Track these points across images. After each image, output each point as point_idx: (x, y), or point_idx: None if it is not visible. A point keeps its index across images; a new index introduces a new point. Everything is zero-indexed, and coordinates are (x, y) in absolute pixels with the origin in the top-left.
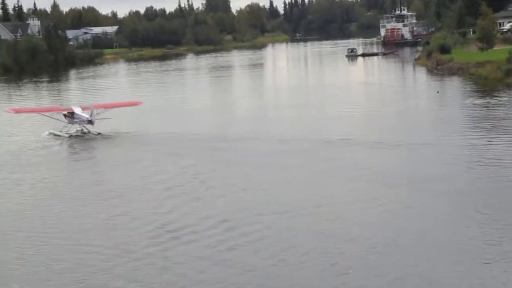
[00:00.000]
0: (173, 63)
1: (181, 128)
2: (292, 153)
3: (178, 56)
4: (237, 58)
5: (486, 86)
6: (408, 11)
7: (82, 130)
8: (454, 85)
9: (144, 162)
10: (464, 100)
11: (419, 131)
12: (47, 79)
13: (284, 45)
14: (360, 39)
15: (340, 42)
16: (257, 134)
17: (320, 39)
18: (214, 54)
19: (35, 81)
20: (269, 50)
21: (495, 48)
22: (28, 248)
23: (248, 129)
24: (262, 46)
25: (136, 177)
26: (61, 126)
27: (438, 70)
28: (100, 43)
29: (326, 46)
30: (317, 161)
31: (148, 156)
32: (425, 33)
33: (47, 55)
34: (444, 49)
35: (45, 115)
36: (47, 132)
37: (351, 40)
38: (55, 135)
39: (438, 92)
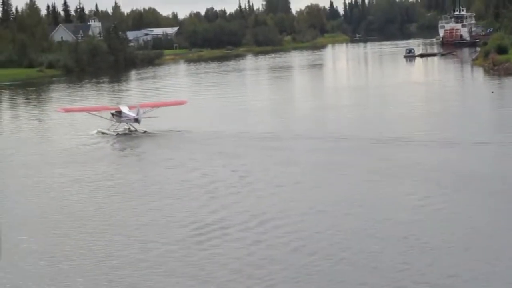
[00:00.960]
0: (231, 64)
1: (235, 127)
2: (346, 151)
3: (237, 57)
4: (296, 58)
5: None
6: (467, 12)
7: (129, 128)
8: (510, 85)
9: (193, 160)
10: None
11: (472, 130)
12: (107, 79)
13: (343, 45)
14: (420, 40)
15: (400, 42)
16: (312, 133)
17: (379, 39)
18: (273, 55)
19: (95, 82)
20: (328, 51)
21: None
22: (85, 242)
23: (303, 128)
24: (321, 47)
25: (184, 174)
26: (109, 125)
27: (495, 70)
28: (160, 44)
29: (386, 46)
30: (371, 159)
31: (198, 155)
32: (483, 33)
33: (107, 56)
34: (501, 50)
35: (93, 114)
36: (95, 131)
37: (410, 41)
38: (103, 133)
39: (493, 92)
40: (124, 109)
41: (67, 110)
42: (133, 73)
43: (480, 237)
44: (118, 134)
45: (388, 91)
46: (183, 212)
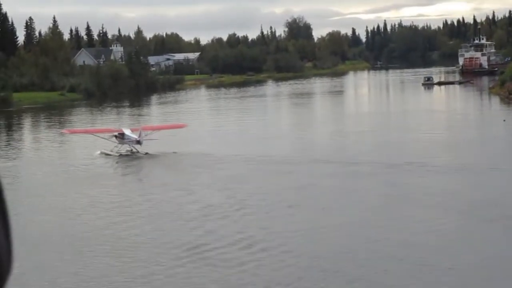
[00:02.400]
0: (251, 90)
1: (248, 151)
2: (358, 176)
3: (258, 83)
4: (316, 85)
5: None
6: (488, 41)
7: (131, 150)
8: None
9: (195, 183)
10: None
11: (480, 156)
12: (127, 104)
13: (363, 73)
14: (443, 68)
15: (421, 70)
16: (324, 157)
17: (401, 67)
18: (292, 81)
19: (115, 106)
20: (348, 78)
21: None
22: (94, 259)
23: (318, 152)
24: (342, 74)
25: (184, 196)
26: (112, 146)
27: (510, 99)
28: (182, 69)
29: (406, 74)
30: (382, 183)
31: (202, 177)
32: (501, 62)
33: (128, 81)
34: None
35: (97, 136)
36: (99, 152)
37: (432, 69)
38: (106, 154)
39: (504, 120)
40: (127, 132)
41: (72, 131)
42: (153, 98)
43: (486, 262)
44: (120, 155)
45: (403, 118)
46: (178, 233)
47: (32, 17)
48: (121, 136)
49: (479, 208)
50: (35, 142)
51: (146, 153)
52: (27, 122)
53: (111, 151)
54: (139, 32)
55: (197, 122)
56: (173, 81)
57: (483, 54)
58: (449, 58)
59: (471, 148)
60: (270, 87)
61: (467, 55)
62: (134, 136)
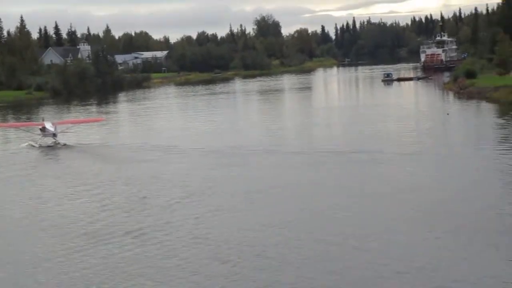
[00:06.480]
0: (217, 88)
1: (201, 144)
2: (296, 164)
3: (224, 80)
4: (278, 82)
5: (497, 108)
6: (450, 37)
7: (54, 141)
8: (467, 108)
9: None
10: (470, 120)
11: (416, 145)
12: (93, 102)
13: (331, 70)
14: (410, 64)
15: (388, 67)
16: (270, 148)
17: (369, 64)
18: (258, 79)
19: (80, 104)
20: (313, 76)
21: None
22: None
23: (268, 143)
24: (308, 71)
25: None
26: (37, 138)
27: (460, 94)
28: (150, 67)
29: (371, 71)
30: (321, 172)
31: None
32: (458, 58)
33: (95, 79)
34: (470, 74)
35: (22, 130)
36: (26, 144)
37: (399, 65)
38: (32, 146)
39: (448, 114)
40: (48, 125)
41: None
42: (119, 96)
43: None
44: (41, 146)
45: (355, 113)
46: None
47: (0, 17)
48: (43, 130)
49: (405, 193)
50: None
51: (64, 144)
52: None
53: (36, 143)
54: (107, 31)
55: (153, 118)
56: (140, 79)
57: (444, 51)
58: (417, 55)
59: (410, 139)
60: (235, 84)
61: (429, 51)
62: (52, 129)
